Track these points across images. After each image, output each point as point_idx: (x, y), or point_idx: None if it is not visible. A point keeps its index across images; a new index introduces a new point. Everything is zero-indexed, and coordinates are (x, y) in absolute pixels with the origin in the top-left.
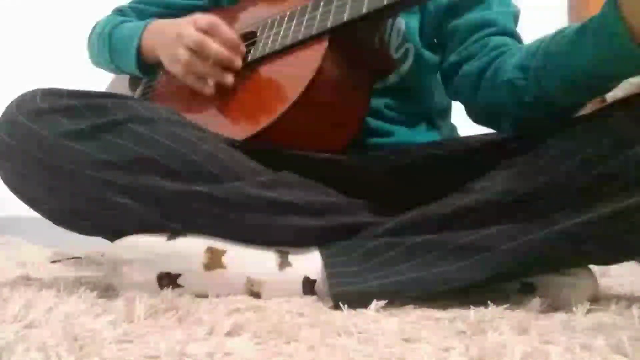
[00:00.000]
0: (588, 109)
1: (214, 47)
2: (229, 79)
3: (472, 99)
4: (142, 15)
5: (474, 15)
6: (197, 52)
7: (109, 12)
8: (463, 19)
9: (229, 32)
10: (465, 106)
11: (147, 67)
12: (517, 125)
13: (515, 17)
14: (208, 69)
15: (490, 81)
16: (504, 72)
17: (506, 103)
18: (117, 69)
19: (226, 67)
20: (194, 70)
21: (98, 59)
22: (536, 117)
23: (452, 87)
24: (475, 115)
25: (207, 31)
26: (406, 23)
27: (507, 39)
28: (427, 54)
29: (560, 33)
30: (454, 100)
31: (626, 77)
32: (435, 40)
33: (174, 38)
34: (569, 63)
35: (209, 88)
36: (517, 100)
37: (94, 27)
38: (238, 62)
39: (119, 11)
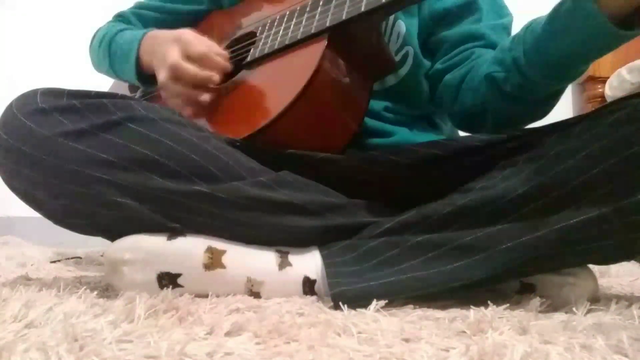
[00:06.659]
0: (588, 108)
1: (189, 70)
2: (204, 97)
3: (453, 105)
4: (143, 20)
5: (463, 28)
6: (172, 76)
7: (110, 12)
8: (453, 31)
9: (210, 52)
10: (448, 113)
11: (147, 78)
12: (499, 124)
13: (507, 27)
14: (183, 89)
15: (469, 83)
16: (481, 71)
17: (487, 98)
18: (118, 78)
19: (204, 85)
20: (170, 91)
21: (100, 67)
22: (517, 109)
23: (435, 95)
24: (458, 120)
25: (190, 57)
26: (406, 26)
27: (491, 51)
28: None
29: (533, 22)
30: (437, 107)
31: (602, 55)
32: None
33: (162, 59)
34: (547, 49)
35: (186, 109)
36: (498, 92)
37: (95, 35)
38: (215, 78)
39: (120, 17)
